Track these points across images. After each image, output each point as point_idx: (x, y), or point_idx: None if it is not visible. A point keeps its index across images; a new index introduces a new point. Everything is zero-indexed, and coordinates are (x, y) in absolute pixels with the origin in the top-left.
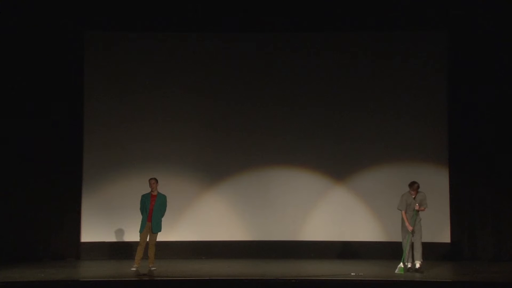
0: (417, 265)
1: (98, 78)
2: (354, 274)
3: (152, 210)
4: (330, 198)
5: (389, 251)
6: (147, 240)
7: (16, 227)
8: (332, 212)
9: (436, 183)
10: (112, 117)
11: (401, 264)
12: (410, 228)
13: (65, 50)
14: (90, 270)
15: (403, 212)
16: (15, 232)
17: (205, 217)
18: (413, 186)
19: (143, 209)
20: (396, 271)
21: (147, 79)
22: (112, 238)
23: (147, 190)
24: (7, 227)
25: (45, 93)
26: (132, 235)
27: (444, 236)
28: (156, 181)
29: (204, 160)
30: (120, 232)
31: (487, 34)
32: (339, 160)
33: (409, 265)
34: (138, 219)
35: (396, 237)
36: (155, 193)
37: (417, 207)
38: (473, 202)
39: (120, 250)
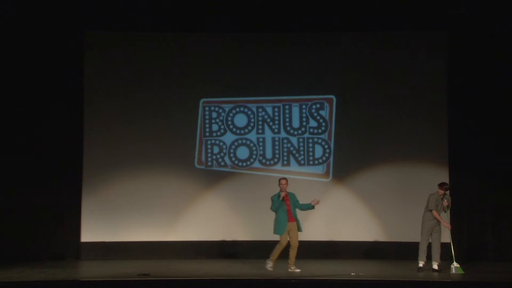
0: (435, 266)
1: (98, 78)
2: (354, 274)
3: (291, 211)
4: (330, 198)
5: (389, 251)
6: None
7: (16, 227)
8: (332, 212)
9: (436, 183)
10: (112, 117)
11: (455, 264)
12: (448, 226)
13: (65, 50)
14: (90, 270)
15: (435, 211)
16: (15, 232)
17: (205, 217)
18: (444, 186)
19: (276, 209)
20: (453, 271)
21: (147, 79)
22: (112, 238)
23: (146, 190)
24: (7, 227)
25: (45, 93)
26: (132, 235)
27: (444, 236)
28: (287, 181)
29: (204, 159)
30: (120, 232)
31: (487, 34)
32: (339, 160)
33: (421, 264)
34: (138, 219)
35: (396, 237)
36: (285, 192)
37: (446, 203)
38: (473, 202)
39: (120, 250)
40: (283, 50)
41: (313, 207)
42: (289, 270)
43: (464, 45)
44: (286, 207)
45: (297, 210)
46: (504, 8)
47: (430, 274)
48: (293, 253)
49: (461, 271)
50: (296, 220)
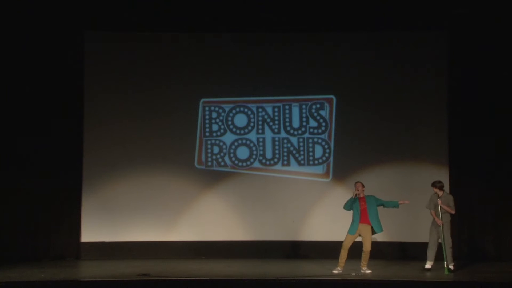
0: (451, 266)
1: (98, 78)
2: (354, 274)
3: (367, 212)
4: (330, 198)
5: (389, 251)
6: (352, 242)
7: (16, 227)
8: (332, 212)
9: None
10: (112, 117)
11: (445, 264)
12: (440, 222)
13: (65, 50)
14: (90, 270)
15: (432, 211)
16: (15, 232)
17: (205, 217)
18: (437, 184)
19: (348, 208)
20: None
21: (147, 79)
22: (112, 238)
23: (146, 190)
24: (7, 227)
25: (45, 93)
26: (132, 235)
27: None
28: (363, 185)
29: (204, 160)
30: (120, 232)
31: (487, 34)
32: (339, 160)
33: (428, 266)
34: (138, 219)
35: (396, 237)
36: (362, 195)
37: (439, 202)
38: (473, 202)
39: (120, 250)
40: (283, 50)
41: (398, 206)
42: (361, 271)
43: (464, 45)
44: (359, 207)
45: (379, 214)
46: (504, 8)
47: (430, 274)
48: (365, 256)
49: (446, 272)
50: (373, 223)
